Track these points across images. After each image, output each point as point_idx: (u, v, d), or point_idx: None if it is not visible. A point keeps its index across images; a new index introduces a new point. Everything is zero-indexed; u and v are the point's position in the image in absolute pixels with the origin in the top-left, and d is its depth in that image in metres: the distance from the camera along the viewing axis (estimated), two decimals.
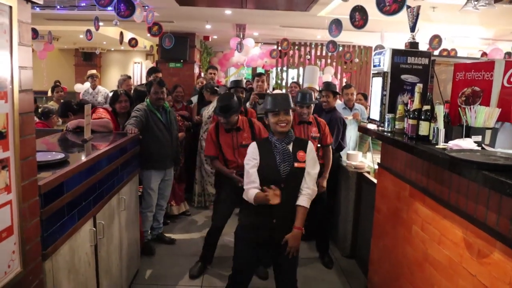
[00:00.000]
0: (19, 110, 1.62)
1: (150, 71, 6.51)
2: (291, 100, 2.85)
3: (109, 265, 2.98)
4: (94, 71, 8.09)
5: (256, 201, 2.66)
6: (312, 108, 4.09)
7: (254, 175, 2.73)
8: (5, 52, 1.55)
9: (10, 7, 1.56)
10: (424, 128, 2.59)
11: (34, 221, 1.81)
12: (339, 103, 5.78)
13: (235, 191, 3.65)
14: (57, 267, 2.11)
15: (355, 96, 5.71)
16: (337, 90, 4.76)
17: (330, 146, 4.25)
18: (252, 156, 2.78)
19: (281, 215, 2.73)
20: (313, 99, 4.08)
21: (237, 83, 5.30)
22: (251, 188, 2.70)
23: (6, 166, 1.56)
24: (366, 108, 6.04)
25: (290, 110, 2.79)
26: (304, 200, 2.77)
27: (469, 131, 2.38)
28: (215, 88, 5.48)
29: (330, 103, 4.61)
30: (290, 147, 2.78)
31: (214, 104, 5.23)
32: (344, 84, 8.61)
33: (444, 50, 9.34)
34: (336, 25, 6.66)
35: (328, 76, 11.45)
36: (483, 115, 2.36)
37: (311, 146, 2.85)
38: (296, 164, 2.73)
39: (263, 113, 2.91)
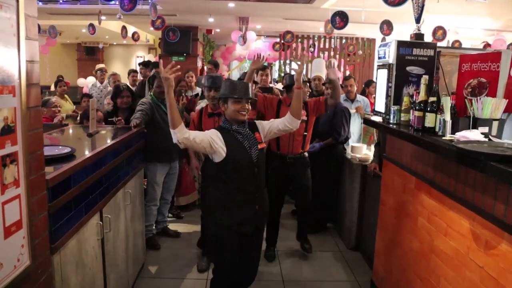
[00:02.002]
0: (26, 104, 1.63)
1: (153, 65, 6.51)
2: (250, 89, 2.79)
3: (115, 258, 3.00)
4: (103, 65, 8.07)
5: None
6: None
7: (199, 136, 2.63)
8: (13, 46, 1.55)
9: (17, 1, 1.55)
10: (430, 119, 2.58)
11: (42, 215, 1.82)
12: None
13: None
14: (65, 260, 2.12)
15: (355, 88, 5.67)
16: (340, 83, 4.74)
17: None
18: (213, 138, 2.65)
19: (261, 199, 2.80)
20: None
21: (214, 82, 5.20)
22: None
23: (14, 160, 1.57)
24: (371, 96, 5.99)
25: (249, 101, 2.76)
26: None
27: (476, 123, 2.37)
28: None
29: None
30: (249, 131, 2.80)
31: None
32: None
33: (456, 41, 9.31)
34: (340, 17, 6.64)
35: None
36: (489, 106, 2.35)
37: (258, 122, 2.91)
38: (259, 146, 2.77)
39: (219, 98, 2.82)
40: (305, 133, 4.01)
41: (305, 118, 3.93)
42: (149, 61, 7.28)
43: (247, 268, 2.93)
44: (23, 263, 1.66)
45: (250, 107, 2.76)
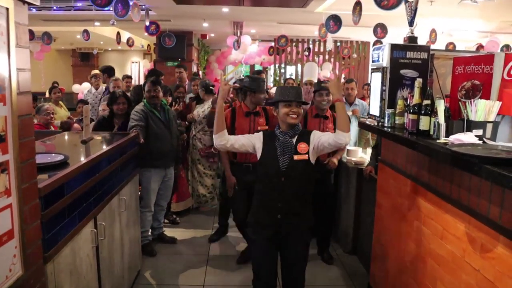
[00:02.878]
0: (18, 112, 1.61)
1: (151, 74, 6.47)
2: (302, 94, 2.85)
3: (110, 266, 2.98)
4: (98, 71, 8.05)
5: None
6: (331, 97, 4.04)
7: (240, 139, 2.81)
8: (3, 54, 1.54)
9: (7, 9, 1.54)
10: (424, 122, 2.58)
11: (34, 224, 1.80)
12: None
13: (245, 185, 3.79)
14: (58, 269, 2.10)
15: (355, 92, 5.68)
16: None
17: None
18: (253, 140, 2.82)
19: (285, 210, 2.73)
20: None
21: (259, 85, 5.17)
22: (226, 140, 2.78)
23: (5, 169, 1.55)
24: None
25: (301, 105, 2.79)
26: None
27: (470, 125, 2.36)
28: (211, 87, 5.43)
29: (330, 101, 4.62)
30: (294, 140, 2.76)
31: (209, 104, 5.22)
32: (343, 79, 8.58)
33: (450, 43, 9.35)
34: (334, 21, 6.66)
35: (327, 72, 11.44)
36: (483, 109, 2.35)
37: (314, 133, 2.82)
38: (296, 157, 2.71)
39: (273, 103, 2.92)
40: None
41: (333, 131, 3.96)
42: (154, 70, 7.24)
43: (288, 277, 2.89)
44: (15, 273, 1.64)
45: (301, 111, 2.78)
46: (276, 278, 2.90)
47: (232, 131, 3.80)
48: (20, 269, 1.67)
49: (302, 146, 2.74)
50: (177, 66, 7.15)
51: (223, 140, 2.75)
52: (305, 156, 2.73)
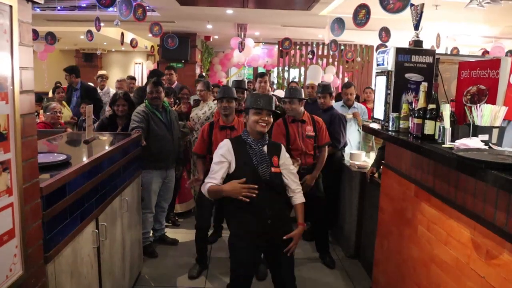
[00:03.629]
0: (20, 111, 1.60)
1: (153, 74, 6.48)
2: (274, 103, 2.83)
3: (111, 267, 2.96)
4: (104, 72, 8.08)
5: (210, 194, 2.68)
6: (302, 104, 4.10)
7: (218, 172, 2.70)
8: (6, 52, 1.52)
9: (11, 7, 1.53)
10: (429, 127, 2.56)
11: (36, 224, 1.79)
12: (336, 103, 5.76)
13: None
14: (59, 269, 2.08)
15: (354, 96, 5.66)
16: (334, 89, 4.78)
17: (326, 146, 4.22)
18: (223, 154, 2.72)
19: (274, 215, 2.72)
20: (302, 96, 4.08)
21: (238, 84, 5.17)
22: (208, 183, 2.69)
23: (7, 168, 1.54)
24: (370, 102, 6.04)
25: (271, 114, 2.78)
26: (299, 197, 2.83)
27: (476, 130, 2.34)
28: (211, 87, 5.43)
29: (326, 103, 4.64)
30: (265, 149, 2.77)
31: (211, 104, 5.21)
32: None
33: (454, 48, 9.33)
34: (338, 24, 6.65)
35: (330, 76, 11.43)
36: (489, 114, 2.33)
37: (283, 150, 2.88)
38: (273, 169, 2.74)
39: (243, 110, 2.89)
40: (315, 144, 4.16)
41: (312, 134, 4.13)
42: (156, 71, 7.28)
43: (281, 279, 2.87)
44: (16, 272, 1.62)
45: (271, 120, 2.76)
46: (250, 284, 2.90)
47: (209, 144, 3.84)
48: (20, 268, 1.65)
49: (275, 159, 2.78)
50: (167, 67, 7.17)
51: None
52: (278, 169, 2.78)
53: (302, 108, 4.11)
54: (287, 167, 2.84)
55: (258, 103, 2.72)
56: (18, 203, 1.61)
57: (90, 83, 7.51)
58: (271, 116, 2.78)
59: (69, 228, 2.20)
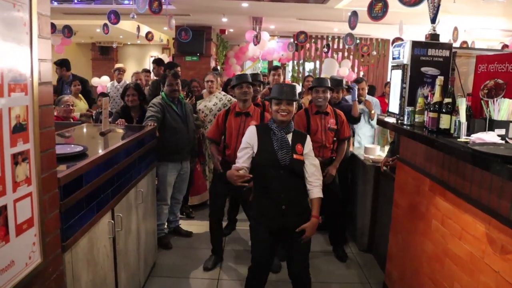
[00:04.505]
0: (38, 102, 1.63)
1: (168, 65, 6.52)
2: (297, 92, 2.90)
3: (127, 257, 3.00)
4: (121, 65, 8.11)
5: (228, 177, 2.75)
6: (329, 94, 4.08)
7: (241, 158, 2.83)
8: (25, 44, 1.55)
9: (30, 0, 1.56)
10: (445, 121, 2.54)
11: (53, 213, 1.83)
12: (348, 96, 5.74)
13: (227, 184, 3.75)
14: (76, 258, 2.13)
15: (366, 90, 5.62)
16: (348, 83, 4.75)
17: (346, 141, 4.22)
18: (247, 140, 2.87)
19: (289, 201, 2.79)
20: (329, 85, 4.07)
21: (253, 77, 5.12)
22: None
23: (26, 158, 1.57)
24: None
25: (294, 102, 2.86)
26: (317, 191, 2.84)
27: (492, 124, 2.32)
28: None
29: (339, 98, 4.65)
30: (290, 137, 2.84)
31: (220, 96, 5.23)
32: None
33: (464, 42, 9.18)
34: (354, 17, 6.61)
35: (345, 69, 11.35)
36: (507, 108, 2.30)
37: (309, 140, 2.93)
38: (295, 156, 2.80)
39: (269, 99, 2.98)
40: (335, 139, 4.15)
41: (335, 127, 4.11)
42: (161, 59, 7.28)
43: (295, 267, 2.94)
44: (34, 260, 1.66)
45: (292, 108, 2.83)
46: (269, 269, 3.01)
47: (223, 128, 3.88)
48: (39, 256, 1.69)
49: (299, 147, 2.84)
50: (153, 61, 7.15)
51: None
52: (301, 157, 2.83)
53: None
54: (310, 159, 2.88)
55: (278, 93, 2.82)
56: (36, 192, 1.65)
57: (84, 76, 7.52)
58: (293, 104, 2.84)
59: (85, 218, 2.24)
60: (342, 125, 4.17)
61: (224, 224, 4.50)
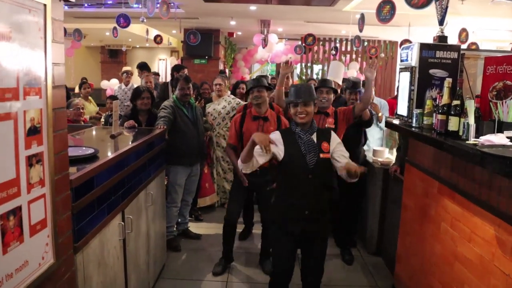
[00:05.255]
0: (52, 105, 1.66)
1: (175, 68, 6.55)
2: (314, 91, 2.84)
3: (137, 259, 3.03)
4: (129, 68, 8.18)
5: (243, 158, 2.70)
6: (332, 95, 4.03)
7: (256, 160, 2.73)
8: (40, 49, 1.59)
9: (44, 5, 1.59)
10: (453, 123, 2.54)
11: (66, 215, 1.86)
12: None
13: (245, 189, 3.82)
14: (87, 260, 2.15)
15: (373, 92, 5.58)
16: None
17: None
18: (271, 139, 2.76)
19: (313, 206, 2.76)
20: (333, 86, 4.04)
21: (258, 81, 5.05)
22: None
23: (40, 160, 1.60)
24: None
25: (312, 102, 2.78)
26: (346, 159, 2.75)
27: (501, 126, 2.32)
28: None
29: (357, 99, 4.60)
30: (314, 137, 2.78)
31: (229, 99, 5.24)
32: None
33: (473, 43, 9.13)
34: (361, 21, 6.61)
35: (353, 72, 11.35)
36: None
37: (334, 135, 2.87)
38: (321, 155, 2.74)
39: (288, 104, 2.90)
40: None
41: (332, 126, 3.95)
42: (144, 64, 7.31)
43: (310, 272, 2.94)
44: (47, 261, 1.69)
45: (310, 109, 2.76)
46: (291, 276, 2.96)
47: (240, 134, 3.83)
48: (52, 257, 1.72)
49: (325, 145, 2.78)
50: (140, 67, 7.14)
51: (248, 168, 2.76)
52: (328, 155, 2.77)
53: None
54: (340, 151, 2.80)
55: (295, 96, 2.77)
56: (50, 194, 1.68)
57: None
58: (311, 105, 2.78)
59: (96, 220, 2.27)
60: (344, 114, 3.95)
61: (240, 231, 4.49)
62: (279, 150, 2.76)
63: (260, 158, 2.74)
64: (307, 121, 2.76)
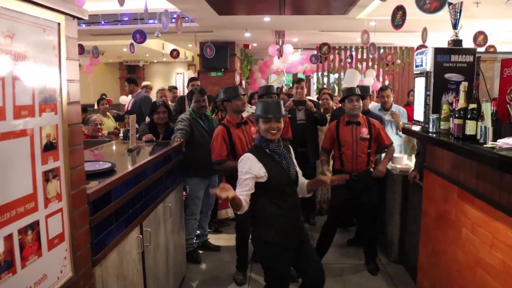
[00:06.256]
0: (68, 121, 1.70)
1: (189, 80, 6.67)
2: (283, 107, 2.83)
3: (156, 271, 3.04)
4: (148, 83, 8.34)
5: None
6: (361, 102, 4.03)
7: (248, 186, 2.65)
8: (54, 66, 1.62)
9: (58, 24, 1.63)
10: (471, 127, 2.50)
11: (83, 228, 1.88)
12: (375, 105, 5.70)
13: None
14: (106, 273, 2.17)
15: (392, 99, 5.56)
16: (375, 92, 4.69)
17: (392, 146, 4.15)
18: (247, 170, 2.68)
19: (299, 213, 2.92)
20: (359, 93, 4.06)
21: (267, 90, 5.02)
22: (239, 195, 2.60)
23: (57, 175, 1.63)
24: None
25: (282, 118, 2.78)
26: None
27: None
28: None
29: (366, 105, 4.60)
30: (285, 150, 2.85)
31: (250, 110, 5.25)
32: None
33: (491, 46, 9.01)
34: (373, 47, 6.61)
35: (370, 79, 11.29)
36: None
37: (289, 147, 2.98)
38: (296, 168, 2.89)
39: (255, 119, 2.88)
40: (369, 151, 4.01)
41: (367, 136, 3.99)
42: (132, 78, 7.57)
43: (310, 272, 2.91)
44: (66, 274, 1.71)
45: (281, 125, 2.76)
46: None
47: (231, 145, 3.78)
48: (70, 271, 1.74)
49: (293, 157, 2.93)
50: (128, 81, 7.37)
51: (245, 210, 2.66)
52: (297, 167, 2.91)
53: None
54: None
55: (265, 111, 2.74)
56: (67, 208, 1.71)
57: None
58: (282, 121, 2.78)
59: (114, 233, 2.29)
60: (378, 134, 4.04)
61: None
62: (260, 173, 2.68)
63: (250, 193, 2.67)
64: (278, 137, 2.77)
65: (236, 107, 3.87)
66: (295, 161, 2.91)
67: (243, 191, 2.63)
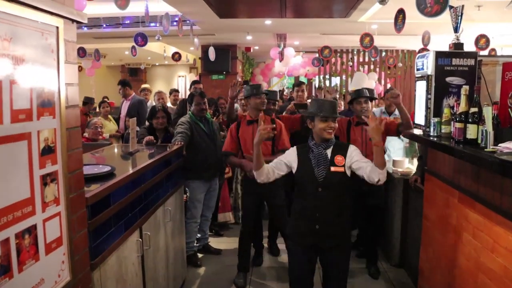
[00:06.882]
0: (66, 125, 1.69)
1: (192, 84, 6.68)
2: (337, 108, 2.89)
3: (155, 275, 3.03)
4: (147, 85, 8.31)
5: (254, 165, 2.79)
6: (369, 104, 4.05)
7: (278, 164, 2.84)
8: (53, 70, 1.62)
9: (57, 28, 1.63)
10: (471, 131, 2.49)
11: (82, 232, 1.87)
12: (375, 110, 5.68)
13: (259, 196, 3.90)
14: (105, 277, 2.16)
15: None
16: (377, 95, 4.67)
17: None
18: (284, 158, 2.86)
19: (324, 220, 2.72)
20: (367, 94, 4.05)
21: (271, 95, 4.99)
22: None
23: (54, 179, 1.63)
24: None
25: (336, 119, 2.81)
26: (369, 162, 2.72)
27: None
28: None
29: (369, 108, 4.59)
30: (329, 151, 2.76)
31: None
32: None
33: (492, 49, 9.00)
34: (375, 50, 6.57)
35: (372, 82, 11.27)
36: None
37: (353, 149, 2.80)
38: (332, 168, 2.71)
39: (307, 116, 2.87)
40: None
41: None
42: (125, 81, 7.37)
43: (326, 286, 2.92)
44: (64, 278, 1.70)
45: (336, 125, 2.79)
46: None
47: (237, 139, 3.93)
48: (68, 275, 1.73)
49: (338, 159, 2.74)
50: (121, 83, 7.18)
51: (263, 177, 2.80)
52: (342, 169, 2.72)
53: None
54: (358, 161, 2.73)
55: (324, 110, 2.74)
56: (65, 212, 1.70)
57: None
58: (336, 121, 2.80)
59: (113, 237, 2.28)
60: (386, 128, 3.88)
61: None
62: (294, 165, 2.81)
63: (279, 171, 2.83)
64: (332, 136, 2.78)
65: (254, 104, 3.93)
66: (338, 167, 2.74)
67: (272, 164, 2.86)
